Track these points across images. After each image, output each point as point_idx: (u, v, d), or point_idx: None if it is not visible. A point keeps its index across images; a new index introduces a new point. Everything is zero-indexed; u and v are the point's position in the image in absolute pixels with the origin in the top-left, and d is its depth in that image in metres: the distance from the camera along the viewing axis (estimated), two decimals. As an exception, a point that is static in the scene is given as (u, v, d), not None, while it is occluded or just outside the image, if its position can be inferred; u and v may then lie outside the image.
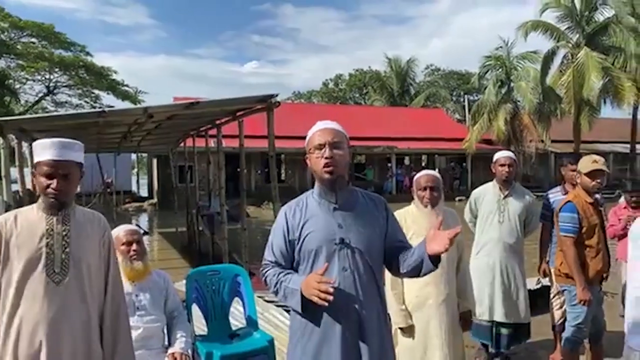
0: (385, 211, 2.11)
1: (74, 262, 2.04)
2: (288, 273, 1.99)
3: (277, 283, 1.98)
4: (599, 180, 3.42)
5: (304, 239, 1.99)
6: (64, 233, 2.05)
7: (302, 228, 2.01)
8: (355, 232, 1.96)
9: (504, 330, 3.93)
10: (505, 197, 3.99)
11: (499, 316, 3.89)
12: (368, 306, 1.96)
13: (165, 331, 3.00)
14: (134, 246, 2.92)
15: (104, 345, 2.13)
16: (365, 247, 1.96)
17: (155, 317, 2.90)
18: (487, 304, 3.91)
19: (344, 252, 1.95)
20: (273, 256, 2.06)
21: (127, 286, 2.86)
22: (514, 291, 3.92)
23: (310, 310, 1.91)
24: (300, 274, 1.99)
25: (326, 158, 1.94)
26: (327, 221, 1.99)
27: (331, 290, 1.77)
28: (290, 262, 2.05)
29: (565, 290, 3.59)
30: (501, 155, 4.06)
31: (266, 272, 2.06)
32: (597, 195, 3.63)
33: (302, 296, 1.86)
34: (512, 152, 5.03)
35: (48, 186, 2.02)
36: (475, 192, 4.21)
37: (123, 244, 2.91)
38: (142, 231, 3.09)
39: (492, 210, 4.00)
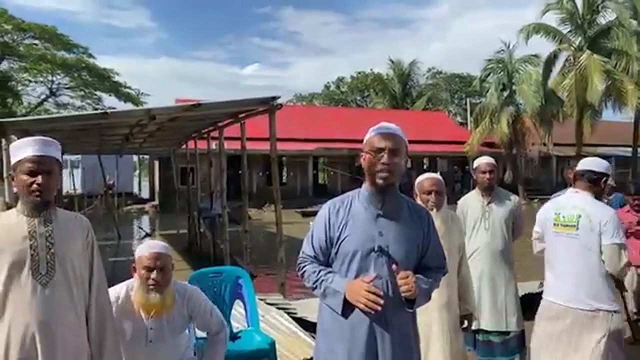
0: (428, 226, 2.07)
1: (59, 262, 1.99)
2: (329, 272, 1.98)
3: (317, 280, 1.96)
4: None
5: (342, 240, 1.97)
6: (47, 234, 1.98)
7: (342, 228, 1.98)
8: (395, 242, 1.93)
9: (494, 339, 3.82)
10: (489, 203, 3.93)
11: (485, 323, 3.79)
12: (397, 315, 1.94)
13: (192, 346, 2.90)
14: (154, 274, 2.48)
15: (92, 348, 2.09)
16: (401, 258, 1.93)
17: (171, 345, 2.64)
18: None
19: (380, 260, 1.93)
20: (312, 250, 2.04)
21: (143, 316, 2.54)
22: (502, 298, 3.82)
23: (346, 313, 1.90)
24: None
25: (383, 164, 1.91)
26: (368, 227, 1.96)
27: (381, 301, 1.78)
28: (327, 258, 2.03)
29: None
30: (481, 161, 3.96)
31: (304, 266, 2.04)
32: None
33: (345, 299, 1.86)
34: (514, 155, 4.98)
35: (32, 184, 1.95)
36: (460, 202, 4.12)
37: (144, 268, 2.50)
38: (168, 253, 2.63)
39: (477, 217, 3.93)
